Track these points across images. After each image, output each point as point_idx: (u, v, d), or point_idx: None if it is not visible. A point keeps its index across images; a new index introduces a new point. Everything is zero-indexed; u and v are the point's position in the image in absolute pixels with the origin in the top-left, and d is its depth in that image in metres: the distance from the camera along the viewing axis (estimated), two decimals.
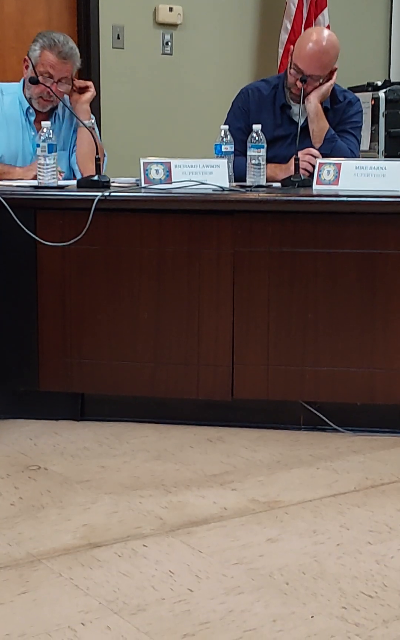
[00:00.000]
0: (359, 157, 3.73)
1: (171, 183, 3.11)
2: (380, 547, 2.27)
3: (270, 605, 1.98)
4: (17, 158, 3.58)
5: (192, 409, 3.21)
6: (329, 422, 3.13)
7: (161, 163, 3.13)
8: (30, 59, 3.53)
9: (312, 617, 1.94)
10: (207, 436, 3.10)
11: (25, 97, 3.61)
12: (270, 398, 3.14)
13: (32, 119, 3.59)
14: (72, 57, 3.54)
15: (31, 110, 3.60)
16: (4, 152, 3.58)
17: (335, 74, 3.62)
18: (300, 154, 3.43)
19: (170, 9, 5.51)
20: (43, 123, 3.16)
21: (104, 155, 3.69)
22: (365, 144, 5.08)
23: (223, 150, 3.30)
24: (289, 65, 3.66)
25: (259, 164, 3.24)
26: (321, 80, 3.58)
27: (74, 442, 3.04)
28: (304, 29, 5.36)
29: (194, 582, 2.08)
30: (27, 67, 3.56)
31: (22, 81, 3.62)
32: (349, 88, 4.01)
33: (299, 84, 3.55)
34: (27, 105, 3.60)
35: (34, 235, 3.08)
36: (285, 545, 2.28)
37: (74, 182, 3.34)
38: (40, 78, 3.48)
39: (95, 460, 2.89)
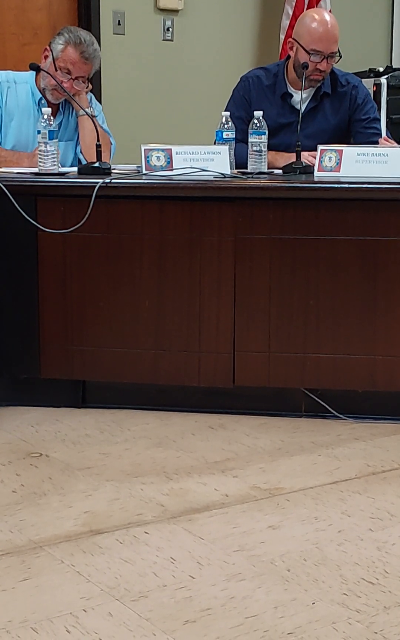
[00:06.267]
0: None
1: (172, 170, 3.10)
2: (382, 534, 2.27)
3: (271, 592, 1.99)
4: (28, 148, 3.57)
5: (193, 396, 3.21)
6: (330, 409, 3.13)
7: (162, 150, 3.12)
8: (51, 51, 3.52)
9: (313, 603, 1.94)
10: (208, 423, 3.11)
11: (39, 87, 3.60)
12: (271, 385, 3.14)
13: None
14: (94, 59, 3.53)
15: (43, 101, 3.58)
16: (16, 141, 3.57)
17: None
18: (307, 154, 3.40)
19: None
20: (43, 110, 3.15)
21: (111, 143, 3.68)
22: None
23: (224, 136, 3.28)
24: (294, 55, 3.62)
25: (260, 151, 3.23)
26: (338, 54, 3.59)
27: (76, 429, 3.05)
28: None
29: (195, 569, 2.09)
30: (46, 57, 3.54)
31: (33, 71, 3.60)
32: None
33: (320, 66, 3.54)
34: (40, 95, 3.59)
35: (34, 222, 3.07)
36: (286, 532, 2.28)
37: (75, 169, 3.33)
38: (58, 72, 3.47)
39: (97, 447, 2.89)
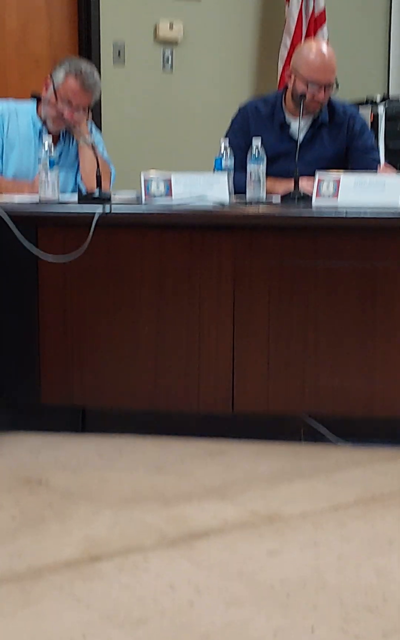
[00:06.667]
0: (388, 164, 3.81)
1: (172, 197, 3.13)
2: (381, 560, 2.27)
3: (271, 618, 1.99)
4: (29, 176, 3.60)
5: (193, 422, 3.22)
6: (329, 434, 3.14)
7: (162, 178, 3.14)
8: (52, 81, 3.57)
9: (313, 629, 1.94)
10: (207, 449, 3.11)
11: (40, 116, 3.64)
12: (270, 411, 3.15)
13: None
14: (94, 89, 3.58)
15: (44, 130, 3.62)
16: (17, 170, 3.60)
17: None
18: (306, 179, 3.43)
19: (171, 26, 5.55)
20: (44, 139, 3.18)
21: (111, 171, 3.72)
22: None
23: (223, 164, 3.32)
24: (292, 85, 3.67)
25: (258, 179, 3.25)
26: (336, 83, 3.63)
27: (75, 456, 3.05)
28: None
29: (194, 595, 2.09)
30: (47, 87, 3.59)
31: (34, 100, 3.65)
32: None
33: (318, 96, 3.59)
34: (41, 124, 3.63)
35: (35, 250, 3.09)
36: (286, 558, 2.28)
37: (75, 197, 3.35)
38: (59, 102, 3.52)
39: (96, 473, 2.89)
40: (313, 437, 3.16)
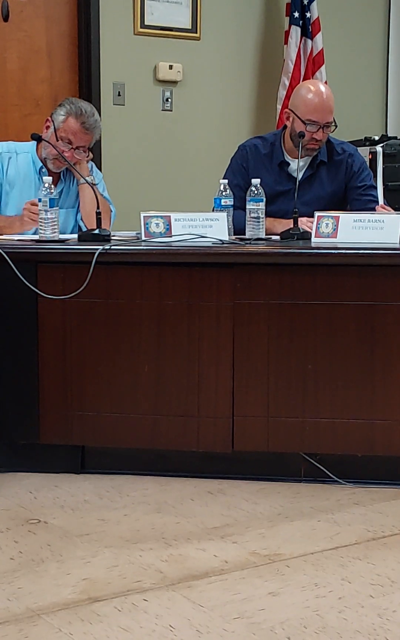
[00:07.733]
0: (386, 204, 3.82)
1: (171, 236, 3.15)
2: (382, 601, 2.25)
3: None
4: None
5: (192, 462, 3.21)
6: (329, 473, 3.12)
7: (161, 217, 3.16)
8: (53, 122, 3.60)
9: None
10: (207, 488, 3.09)
11: (40, 156, 3.67)
12: (270, 450, 3.14)
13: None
14: (95, 129, 3.62)
15: (44, 170, 3.65)
16: (17, 210, 3.62)
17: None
18: (305, 219, 3.46)
19: (170, 67, 5.62)
20: (44, 178, 3.21)
21: (111, 211, 3.74)
22: None
23: (222, 203, 3.34)
24: (290, 125, 3.70)
25: (258, 217, 3.27)
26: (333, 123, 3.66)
27: (74, 495, 3.03)
28: None
29: (194, 637, 2.07)
30: (48, 127, 3.62)
31: (34, 141, 3.68)
32: None
33: (316, 135, 3.62)
34: (41, 164, 3.66)
35: (35, 289, 3.10)
36: (286, 599, 2.26)
37: (75, 236, 3.37)
38: (59, 142, 3.55)
39: (96, 513, 2.87)
40: (313, 476, 3.15)
